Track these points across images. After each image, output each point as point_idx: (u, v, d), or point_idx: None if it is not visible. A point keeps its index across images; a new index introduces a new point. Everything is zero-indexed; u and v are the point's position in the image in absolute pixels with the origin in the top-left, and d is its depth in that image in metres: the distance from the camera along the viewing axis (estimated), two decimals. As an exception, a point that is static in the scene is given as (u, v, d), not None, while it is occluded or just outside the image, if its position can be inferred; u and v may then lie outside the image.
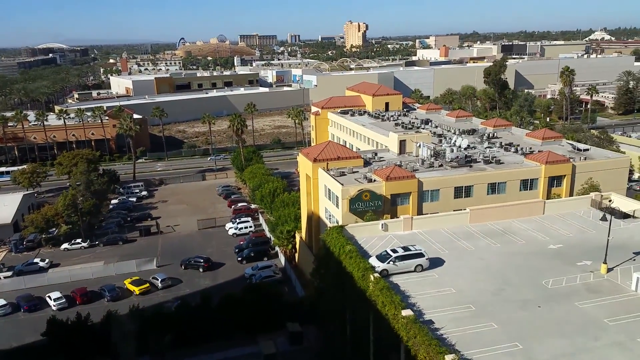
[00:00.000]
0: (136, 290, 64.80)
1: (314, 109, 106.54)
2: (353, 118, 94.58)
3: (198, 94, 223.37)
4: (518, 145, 69.64)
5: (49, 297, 63.03)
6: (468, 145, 69.05)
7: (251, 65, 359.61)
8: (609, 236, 39.57)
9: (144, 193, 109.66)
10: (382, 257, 40.82)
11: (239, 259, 73.97)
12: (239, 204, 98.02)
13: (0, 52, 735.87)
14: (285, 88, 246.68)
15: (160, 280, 66.79)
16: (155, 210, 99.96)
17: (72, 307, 60.51)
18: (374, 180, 56.15)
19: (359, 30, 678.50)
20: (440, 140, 73.87)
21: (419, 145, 68.44)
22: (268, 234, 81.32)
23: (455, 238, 46.98)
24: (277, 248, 75.90)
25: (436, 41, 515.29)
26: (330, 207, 58.53)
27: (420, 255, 40.86)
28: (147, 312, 52.56)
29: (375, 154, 68.86)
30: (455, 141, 70.10)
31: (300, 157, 67.84)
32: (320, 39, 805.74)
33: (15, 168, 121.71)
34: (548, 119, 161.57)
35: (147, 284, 65.93)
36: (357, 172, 59.95)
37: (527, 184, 59.63)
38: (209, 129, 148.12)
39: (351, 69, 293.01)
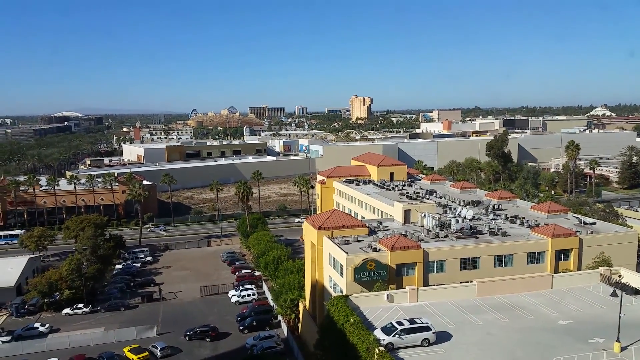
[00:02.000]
0: (135, 358, 62.98)
1: (319, 177, 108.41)
2: (358, 187, 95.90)
3: (207, 162, 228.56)
4: (523, 217, 69.89)
5: (46, 364, 61.35)
6: (473, 217, 69.25)
7: (259, 135, 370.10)
8: (620, 313, 38.84)
9: (149, 258, 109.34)
10: (388, 330, 40.05)
11: (241, 327, 72.26)
12: (243, 271, 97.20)
13: (17, 119, 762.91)
14: (292, 157, 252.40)
15: (159, 349, 65.04)
16: (159, 275, 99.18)
17: (68, 376, 58.65)
18: (379, 250, 56.08)
19: (364, 104, 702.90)
20: (445, 211, 74.36)
21: (424, 215, 68.84)
22: (271, 302, 79.92)
23: (463, 311, 46.15)
24: (280, 317, 74.31)
25: (439, 115, 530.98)
26: (335, 276, 58.07)
27: (427, 328, 40.05)
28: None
29: (380, 223, 69.19)
30: (460, 212, 70.50)
31: (305, 224, 68.25)
32: (326, 112, 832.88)
33: (21, 231, 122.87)
34: (552, 192, 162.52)
35: (147, 353, 64.15)
36: (362, 240, 60.02)
37: (535, 257, 59.17)
38: (216, 195, 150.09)
39: (356, 140, 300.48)
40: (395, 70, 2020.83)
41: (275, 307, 75.65)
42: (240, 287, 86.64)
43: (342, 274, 55.06)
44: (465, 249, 57.48)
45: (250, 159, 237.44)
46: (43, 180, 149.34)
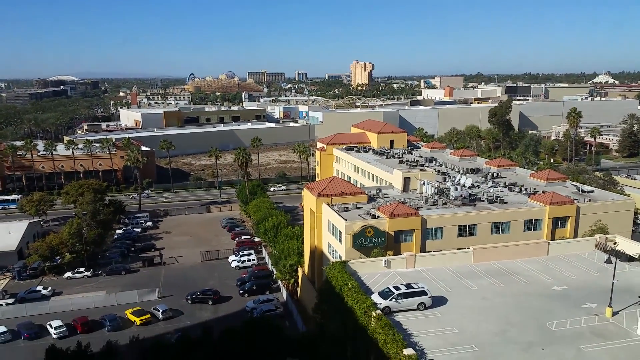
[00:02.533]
0: (137, 320, 64.35)
1: (319, 144, 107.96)
2: (358, 154, 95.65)
3: (206, 128, 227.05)
4: (522, 185, 70.09)
5: (50, 325, 62.62)
6: (472, 184, 69.47)
7: (259, 101, 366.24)
8: (614, 279, 39.45)
9: (149, 224, 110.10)
10: (385, 294, 40.74)
11: (241, 291, 73.55)
12: (243, 237, 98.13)
13: (12, 83, 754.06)
14: (292, 124, 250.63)
15: (161, 311, 66.35)
16: (159, 241, 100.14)
17: (73, 336, 60.03)
18: (378, 217, 56.45)
19: (365, 70, 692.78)
20: (444, 179, 74.47)
21: (423, 183, 69.00)
22: (271, 268, 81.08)
23: (459, 277, 46.88)
24: (279, 282, 75.54)
25: (441, 81, 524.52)
26: (334, 242, 58.68)
27: (423, 293, 40.76)
28: (147, 343, 52.05)
29: (380, 191, 69.39)
30: (459, 180, 70.68)
31: (304, 191, 68.47)
32: (327, 77, 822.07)
33: (18, 196, 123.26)
34: (552, 160, 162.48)
35: (148, 315, 65.51)
36: (361, 208, 60.34)
37: (531, 225, 59.71)
38: (215, 162, 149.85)
39: (357, 107, 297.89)
40: (397, 36, 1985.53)
41: (275, 272, 76.77)
42: (240, 253, 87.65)
43: (340, 241, 55.61)
44: (463, 217, 57.89)
45: (249, 125, 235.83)
46: (40, 145, 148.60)
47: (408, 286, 41.29)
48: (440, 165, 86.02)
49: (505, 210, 59.67)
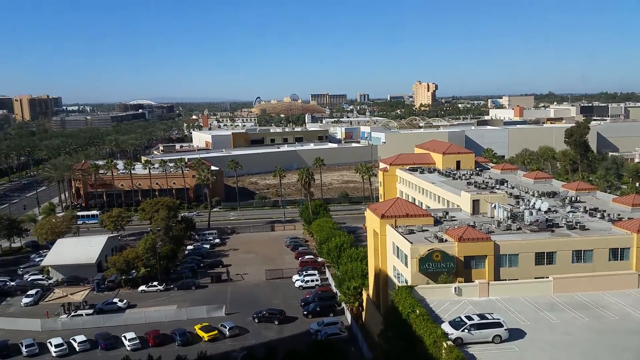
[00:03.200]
0: (205, 336, 65.87)
1: (382, 165, 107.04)
2: (422, 175, 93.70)
3: (270, 149, 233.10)
4: (604, 211, 65.12)
5: (124, 337, 65.65)
6: (549, 209, 65.61)
7: (321, 122, 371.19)
8: None
9: (217, 240, 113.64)
10: (456, 324, 38.87)
11: (305, 312, 73.43)
12: (306, 257, 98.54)
13: (97, 107, 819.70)
14: (354, 144, 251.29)
15: (228, 328, 67.58)
16: (226, 257, 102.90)
17: (145, 349, 62.52)
18: (446, 240, 54.50)
19: (428, 90, 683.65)
20: (518, 202, 70.94)
21: (494, 206, 66.03)
22: (334, 289, 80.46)
23: (538, 308, 43.90)
24: (343, 304, 74.67)
25: (510, 101, 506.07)
26: (399, 266, 57.24)
27: (499, 324, 38.45)
28: (214, 360, 53.02)
29: (447, 213, 67.19)
30: (534, 203, 67.01)
31: (367, 212, 67.68)
32: (389, 98, 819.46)
33: (97, 212, 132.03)
34: (637, 184, 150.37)
35: (216, 331, 66.88)
36: (427, 230, 58.55)
37: (617, 254, 55.03)
38: (279, 181, 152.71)
39: (420, 127, 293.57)
40: (461, 55, 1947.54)
41: (339, 294, 76.06)
42: (304, 273, 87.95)
43: (406, 264, 54.15)
44: (541, 243, 54.55)
45: (312, 145, 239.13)
46: (120, 164, 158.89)
47: (482, 316, 39.18)
48: (513, 187, 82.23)
49: (588, 237, 55.55)
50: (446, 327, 38.88)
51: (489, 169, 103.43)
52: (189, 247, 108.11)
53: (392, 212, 61.46)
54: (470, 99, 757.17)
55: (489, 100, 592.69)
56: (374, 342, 58.81)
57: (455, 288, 47.39)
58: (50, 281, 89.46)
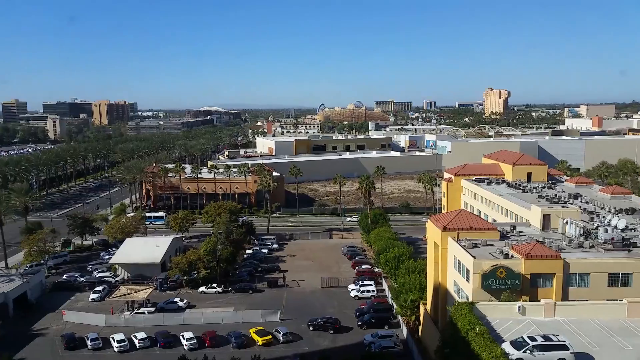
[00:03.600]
0: (259, 340, 66.58)
1: (446, 175, 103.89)
2: (490, 187, 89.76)
3: (332, 156, 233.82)
4: (694, 231, 58.95)
5: (183, 336, 67.71)
6: (626, 227, 60.55)
7: (385, 130, 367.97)
8: None
9: (275, 246, 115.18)
10: (518, 345, 36.63)
11: (359, 323, 72.27)
12: (363, 266, 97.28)
13: (169, 113, 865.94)
14: (417, 153, 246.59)
15: (282, 333, 67.89)
16: (283, 263, 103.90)
17: (201, 349, 64.16)
18: (512, 257, 51.56)
19: (499, 97, 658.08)
20: (592, 218, 65.97)
21: (566, 222, 61.81)
22: (390, 301, 78.62)
23: (609, 333, 40.33)
24: (399, 317, 72.71)
25: (588, 110, 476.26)
26: (460, 281, 54.85)
27: (564, 347, 35.81)
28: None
29: (514, 228, 63.71)
30: (610, 220, 61.96)
31: (429, 223, 65.65)
32: (457, 106, 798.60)
33: (163, 213, 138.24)
34: None
35: (270, 336, 67.43)
36: (492, 245, 55.76)
37: None
38: (339, 189, 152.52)
39: (489, 136, 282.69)
40: (536, 60, 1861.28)
41: (395, 306, 74.18)
42: (360, 282, 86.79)
43: (468, 279, 51.80)
44: (615, 263, 50.24)
45: (374, 153, 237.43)
46: (188, 168, 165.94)
47: (546, 338, 36.67)
48: (587, 202, 76.77)
49: (672, 259, 50.37)
50: (507, 347, 36.78)
51: (562, 182, 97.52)
52: (248, 251, 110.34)
53: (455, 224, 59.30)
54: (545, 107, 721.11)
55: (566, 109, 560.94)
56: (430, 358, 56.71)
57: (519, 307, 44.87)
58: (117, 278, 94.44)
